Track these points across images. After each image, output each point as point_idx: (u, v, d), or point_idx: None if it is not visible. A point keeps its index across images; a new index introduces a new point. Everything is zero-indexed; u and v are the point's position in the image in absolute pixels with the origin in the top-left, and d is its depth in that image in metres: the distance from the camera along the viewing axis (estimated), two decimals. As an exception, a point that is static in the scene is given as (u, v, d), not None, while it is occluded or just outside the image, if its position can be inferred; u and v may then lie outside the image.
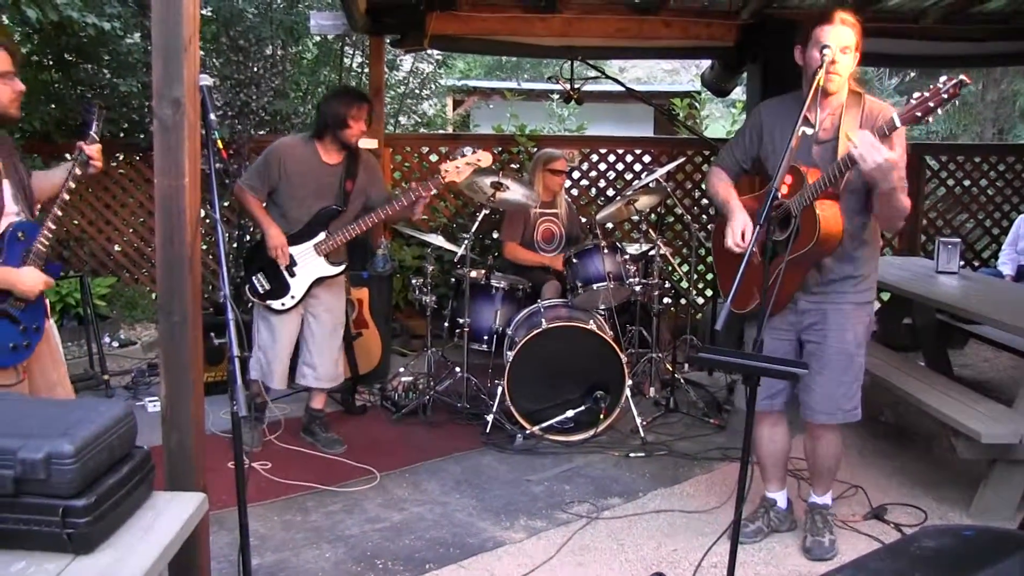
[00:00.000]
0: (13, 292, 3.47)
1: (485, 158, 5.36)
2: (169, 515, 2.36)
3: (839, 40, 3.63)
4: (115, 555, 2.13)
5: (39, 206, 3.78)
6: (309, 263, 5.17)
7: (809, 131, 3.54)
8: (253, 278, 5.16)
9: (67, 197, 3.58)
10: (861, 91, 3.80)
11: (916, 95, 3.33)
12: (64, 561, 2.09)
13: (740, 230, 3.88)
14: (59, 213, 3.58)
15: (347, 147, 5.18)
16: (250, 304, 5.38)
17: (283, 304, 5.16)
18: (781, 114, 3.92)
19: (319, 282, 5.24)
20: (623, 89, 7.77)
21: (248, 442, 5.13)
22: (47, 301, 3.76)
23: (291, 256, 5.12)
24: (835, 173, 3.55)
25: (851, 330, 3.90)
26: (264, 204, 5.22)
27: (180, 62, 2.76)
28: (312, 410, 5.56)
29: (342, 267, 5.31)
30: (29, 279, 3.49)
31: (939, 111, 3.31)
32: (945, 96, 3.23)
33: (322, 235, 5.16)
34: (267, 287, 5.15)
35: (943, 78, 3.24)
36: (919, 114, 3.31)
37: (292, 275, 5.14)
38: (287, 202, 5.17)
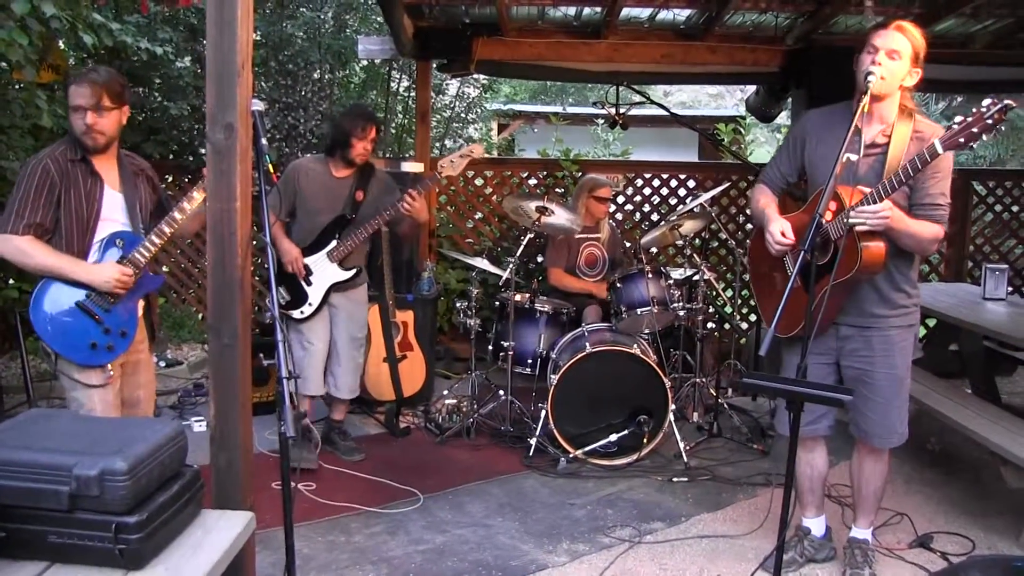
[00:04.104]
0: (92, 286, 3.67)
1: (477, 149, 5.48)
2: (218, 533, 2.40)
3: (887, 43, 3.56)
4: (165, 572, 2.17)
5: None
6: (323, 270, 5.34)
7: (854, 157, 3.49)
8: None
9: (178, 216, 3.73)
10: (912, 109, 3.69)
11: (958, 119, 3.25)
12: (116, 577, 2.13)
13: (779, 231, 3.82)
14: (166, 229, 3.75)
15: (353, 164, 5.36)
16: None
17: (302, 312, 5.33)
18: (826, 125, 3.84)
19: (337, 289, 5.39)
20: (668, 114, 7.78)
21: (299, 458, 5.18)
22: (139, 309, 3.92)
23: (306, 266, 5.31)
24: (875, 198, 3.51)
25: (898, 355, 3.84)
26: (287, 222, 5.41)
27: (234, 87, 2.82)
28: (332, 421, 5.73)
29: (353, 271, 5.43)
30: (101, 273, 3.68)
31: (984, 137, 3.21)
32: (990, 122, 3.17)
33: (333, 243, 5.34)
34: (287, 298, 5.33)
35: (986, 102, 3.16)
36: (962, 140, 3.23)
37: (309, 283, 5.32)
38: (304, 216, 5.36)
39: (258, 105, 3.00)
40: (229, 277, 2.88)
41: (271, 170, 3.07)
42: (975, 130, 3.21)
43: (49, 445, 2.24)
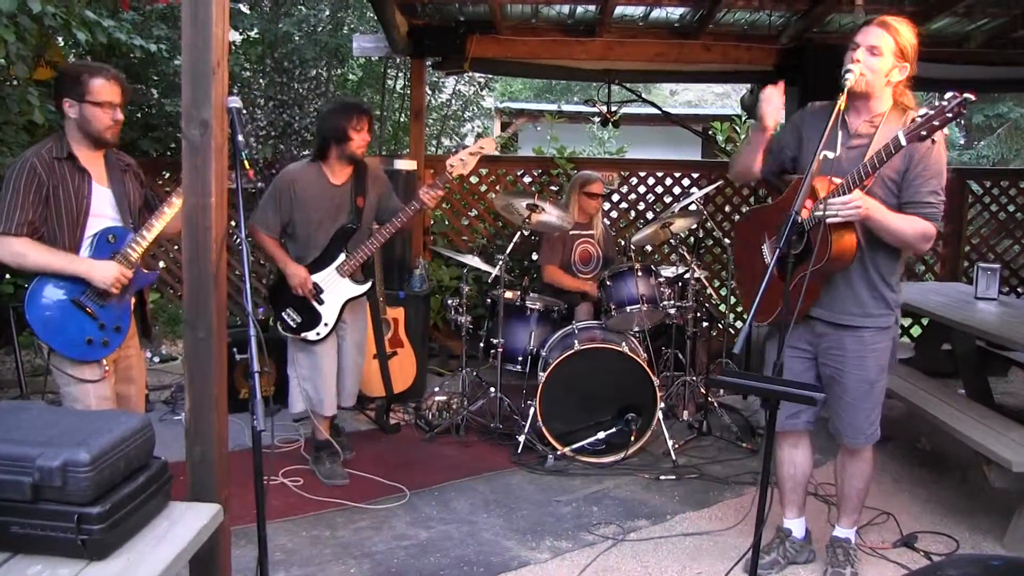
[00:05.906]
0: (90, 283, 3.71)
1: (488, 145, 5.16)
2: (184, 524, 2.42)
3: (867, 39, 3.59)
4: (127, 562, 2.19)
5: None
6: (335, 287, 5.07)
7: (831, 155, 3.51)
8: (283, 314, 5.04)
9: (167, 211, 3.83)
10: (909, 106, 3.65)
11: (922, 112, 3.30)
12: (78, 566, 2.15)
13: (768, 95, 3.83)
14: (156, 224, 3.82)
15: (354, 161, 5.07)
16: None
17: (318, 333, 5.03)
18: (820, 119, 3.76)
19: (347, 304, 5.14)
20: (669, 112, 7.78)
21: (329, 475, 5.17)
22: (132, 305, 3.96)
23: (316, 284, 5.03)
24: (845, 189, 3.51)
25: (870, 357, 3.82)
26: (281, 240, 5.12)
27: (209, 85, 2.84)
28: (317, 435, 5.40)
29: (368, 284, 5.21)
30: (102, 270, 3.72)
31: (944, 129, 3.29)
32: (950, 115, 3.22)
33: (342, 256, 5.06)
34: (298, 320, 5.04)
35: (948, 95, 3.21)
36: (924, 133, 3.28)
37: (321, 302, 5.04)
38: (303, 228, 5.05)
39: (235, 102, 3.02)
40: (204, 272, 2.90)
41: (248, 166, 3.09)
42: (936, 123, 3.26)
43: (14, 436, 2.26)
